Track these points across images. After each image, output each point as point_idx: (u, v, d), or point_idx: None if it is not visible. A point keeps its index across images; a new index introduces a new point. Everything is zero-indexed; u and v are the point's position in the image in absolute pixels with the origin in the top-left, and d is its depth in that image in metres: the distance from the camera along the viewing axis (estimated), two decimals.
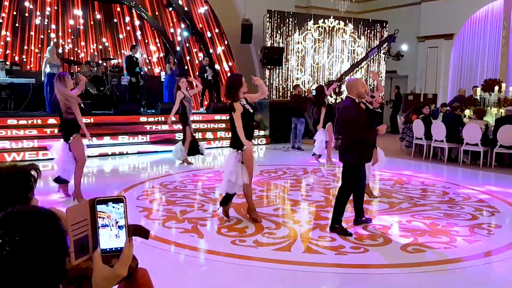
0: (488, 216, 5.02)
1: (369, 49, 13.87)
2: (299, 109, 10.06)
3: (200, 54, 13.99)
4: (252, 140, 4.79)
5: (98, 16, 14.72)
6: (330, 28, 13.46)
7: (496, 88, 10.00)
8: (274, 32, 12.63)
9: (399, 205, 5.39)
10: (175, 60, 12.52)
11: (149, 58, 15.54)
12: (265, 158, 9.89)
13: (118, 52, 15.13)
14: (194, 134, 8.41)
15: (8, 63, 11.88)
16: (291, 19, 12.87)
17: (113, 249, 1.10)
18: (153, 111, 11.30)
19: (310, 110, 10.31)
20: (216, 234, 4.26)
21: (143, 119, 10.39)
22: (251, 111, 4.54)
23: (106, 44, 15.04)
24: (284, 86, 12.98)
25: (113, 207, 1.09)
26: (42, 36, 13.55)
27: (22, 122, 8.92)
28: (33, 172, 1.47)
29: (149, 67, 15.21)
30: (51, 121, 8.98)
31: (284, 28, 12.78)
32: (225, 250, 3.80)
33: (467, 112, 9.80)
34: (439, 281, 3.32)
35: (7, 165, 1.48)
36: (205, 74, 12.34)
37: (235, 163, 4.51)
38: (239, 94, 4.50)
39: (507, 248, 3.98)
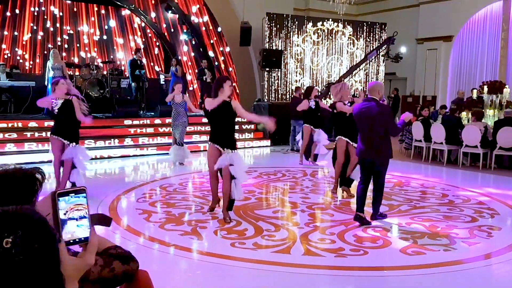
0: (488, 218, 5.02)
1: (368, 52, 13.91)
2: (298, 111, 10.06)
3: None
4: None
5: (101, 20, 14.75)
6: (328, 31, 13.50)
7: (505, 90, 10.02)
8: (273, 35, 12.66)
9: (398, 207, 5.39)
10: (178, 61, 12.53)
11: (151, 63, 15.56)
12: (265, 160, 9.89)
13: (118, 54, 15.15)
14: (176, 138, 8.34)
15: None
16: (290, 22, 12.91)
17: (83, 238, 1.14)
18: (153, 113, 11.31)
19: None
20: (216, 236, 4.26)
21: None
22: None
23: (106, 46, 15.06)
24: (283, 88, 13.00)
25: (84, 197, 1.14)
26: (30, 35, 13.55)
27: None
28: (38, 176, 1.48)
29: (156, 68, 15.24)
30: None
31: (283, 30, 12.82)
32: (225, 253, 3.80)
33: (464, 114, 9.82)
34: (439, 283, 3.32)
35: (13, 168, 1.48)
36: (203, 77, 12.35)
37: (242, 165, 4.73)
38: (219, 94, 4.55)
39: (507, 250, 3.98)
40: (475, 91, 10.95)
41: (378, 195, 4.71)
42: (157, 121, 10.51)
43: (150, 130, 10.21)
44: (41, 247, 0.98)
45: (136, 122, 10.30)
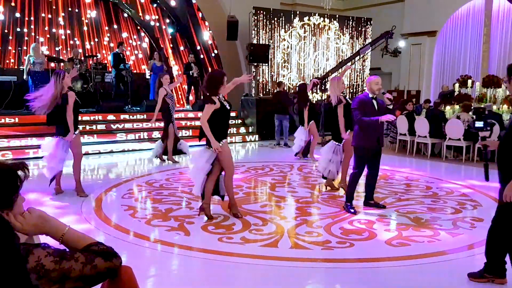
0: (471, 210, 5.12)
1: (361, 46, 13.91)
2: (282, 106, 10.05)
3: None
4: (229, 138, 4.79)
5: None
6: (315, 26, 13.51)
7: (503, 86, 10.21)
8: (260, 29, 12.62)
9: (383, 200, 5.45)
10: (161, 56, 12.39)
11: (135, 53, 15.34)
12: (252, 155, 9.89)
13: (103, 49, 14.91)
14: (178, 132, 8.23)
15: None
16: (276, 16, 12.88)
17: None
18: (138, 108, 11.19)
19: (291, 107, 10.30)
20: (203, 231, 4.24)
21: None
22: (228, 107, 4.57)
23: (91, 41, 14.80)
24: (271, 83, 12.99)
25: None
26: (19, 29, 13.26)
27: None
28: (20, 173, 1.42)
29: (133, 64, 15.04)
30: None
31: (269, 25, 12.78)
32: (212, 247, 3.79)
33: (448, 108, 9.95)
34: (424, 274, 3.38)
35: None
36: (190, 71, 12.26)
37: (205, 163, 4.50)
38: (218, 92, 4.47)
39: None
40: (456, 85, 11.16)
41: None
42: (144, 116, 10.38)
43: (137, 125, 10.10)
44: (3, 242, 1.04)
45: (125, 116, 10.17)
